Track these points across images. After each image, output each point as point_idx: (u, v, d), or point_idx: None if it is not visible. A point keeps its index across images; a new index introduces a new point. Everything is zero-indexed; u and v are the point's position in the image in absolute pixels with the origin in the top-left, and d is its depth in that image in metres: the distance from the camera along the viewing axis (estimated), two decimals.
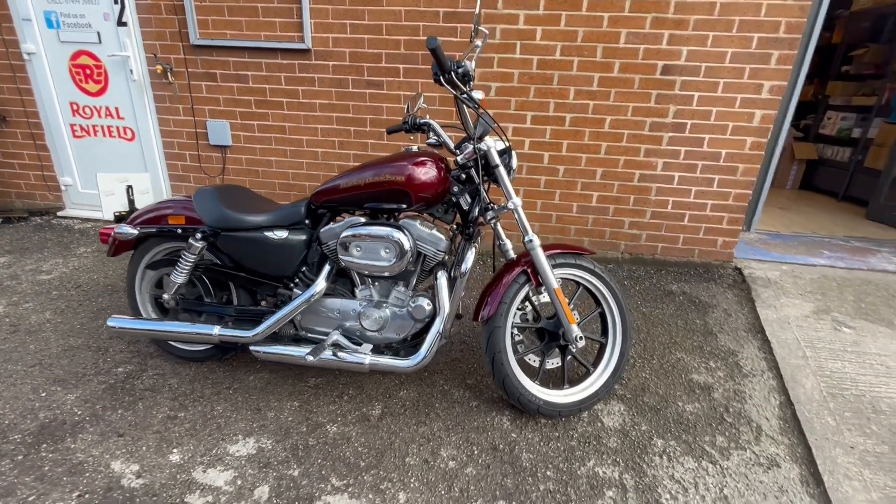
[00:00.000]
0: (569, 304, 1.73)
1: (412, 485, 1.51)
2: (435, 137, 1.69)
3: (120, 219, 1.94)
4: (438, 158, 1.64)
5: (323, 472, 1.54)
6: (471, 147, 1.62)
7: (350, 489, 1.48)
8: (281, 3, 2.87)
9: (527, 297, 1.76)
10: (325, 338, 1.76)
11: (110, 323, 1.86)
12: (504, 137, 1.70)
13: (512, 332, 1.74)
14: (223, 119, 3.20)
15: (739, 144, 2.77)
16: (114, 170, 3.46)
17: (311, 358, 1.60)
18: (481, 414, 1.82)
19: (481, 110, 1.59)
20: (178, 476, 1.52)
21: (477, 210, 1.71)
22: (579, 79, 2.78)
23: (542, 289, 1.70)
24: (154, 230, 1.84)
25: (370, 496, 1.46)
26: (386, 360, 1.69)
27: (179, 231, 1.83)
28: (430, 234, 1.68)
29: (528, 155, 3.00)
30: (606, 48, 2.70)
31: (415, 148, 1.73)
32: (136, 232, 1.84)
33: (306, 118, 3.12)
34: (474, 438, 1.70)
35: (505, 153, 1.68)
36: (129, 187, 2.08)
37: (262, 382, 1.97)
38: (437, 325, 1.66)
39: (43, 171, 3.56)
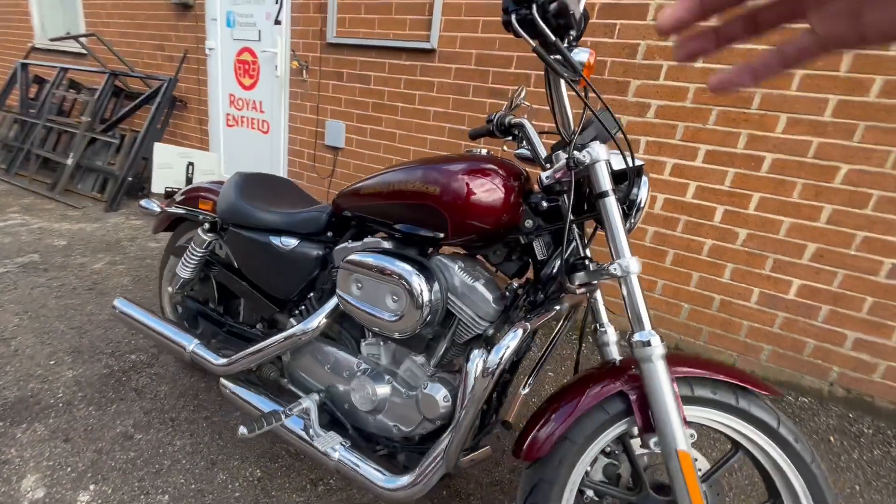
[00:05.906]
0: (703, 477, 0.88)
1: None
2: (527, 146, 1.06)
3: (169, 195, 1.76)
4: (510, 170, 1.00)
5: None
6: (564, 158, 0.93)
7: None
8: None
9: (621, 440, 0.95)
10: (301, 399, 1.22)
11: (116, 303, 1.64)
12: (629, 150, 0.94)
13: (582, 494, 0.96)
14: (341, 120, 3.04)
15: None
16: (247, 160, 3.61)
17: (244, 430, 1.07)
18: None
19: (591, 93, 0.90)
20: None
21: (557, 265, 1.00)
22: (801, 101, 1.80)
23: (654, 437, 0.87)
24: (182, 212, 1.59)
25: None
26: (361, 467, 1.07)
27: (199, 217, 1.53)
28: (470, 288, 1.01)
29: (690, 205, 2.07)
30: (858, 55, 1.68)
31: (483, 151, 1.11)
32: (157, 210, 1.61)
33: (418, 127, 2.74)
34: None
35: (626, 178, 0.94)
36: (190, 164, 1.92)
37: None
38: (445, 441, 0.98)
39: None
